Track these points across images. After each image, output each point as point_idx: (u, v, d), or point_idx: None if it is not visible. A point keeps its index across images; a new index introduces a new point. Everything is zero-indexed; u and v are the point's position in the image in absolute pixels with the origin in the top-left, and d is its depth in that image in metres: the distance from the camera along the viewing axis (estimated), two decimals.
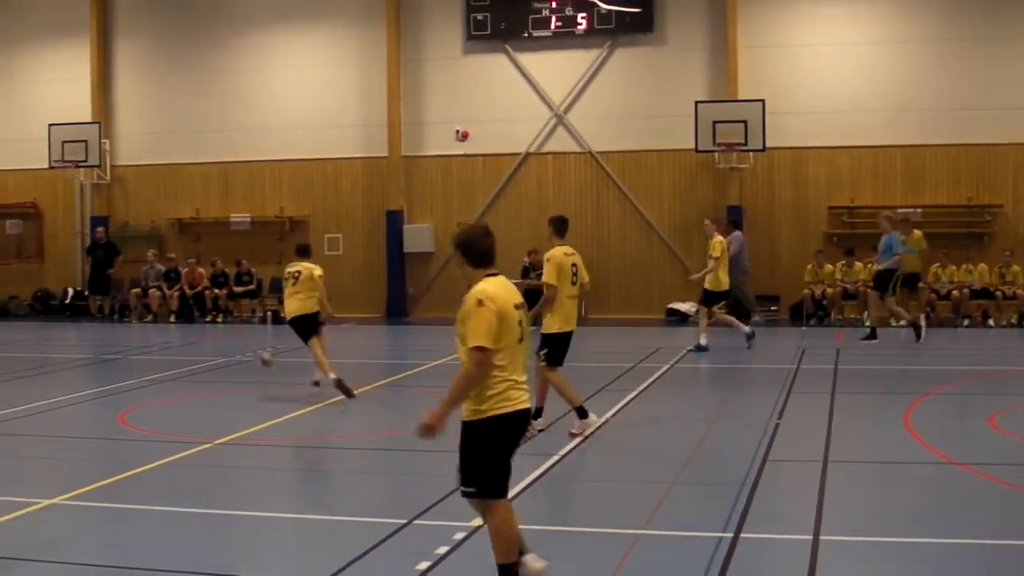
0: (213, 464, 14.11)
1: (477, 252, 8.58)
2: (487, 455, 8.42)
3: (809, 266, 30.87)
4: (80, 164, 36.09)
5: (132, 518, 11.18)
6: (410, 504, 11.43)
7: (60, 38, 37.47)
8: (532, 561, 8.57)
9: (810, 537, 10.04)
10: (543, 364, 15.22)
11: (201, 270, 34.56)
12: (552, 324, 15.33)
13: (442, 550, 9.78)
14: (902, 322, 26.85)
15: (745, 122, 30.95)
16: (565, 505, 12.06)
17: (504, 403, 8.33)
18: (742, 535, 10.15)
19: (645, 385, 19.69)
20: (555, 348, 15.36)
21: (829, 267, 30.69)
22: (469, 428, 8.43)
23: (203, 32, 36.32)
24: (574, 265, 15.49)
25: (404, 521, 10.71)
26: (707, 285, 24.57)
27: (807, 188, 32.12)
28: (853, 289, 30.14)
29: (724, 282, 24.55)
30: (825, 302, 30.42)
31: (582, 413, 15.25)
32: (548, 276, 15.24)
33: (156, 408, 18.52)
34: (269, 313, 34.31)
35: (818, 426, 15.54)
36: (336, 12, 35.22)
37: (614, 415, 16.67)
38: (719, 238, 24.69)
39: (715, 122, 31.11)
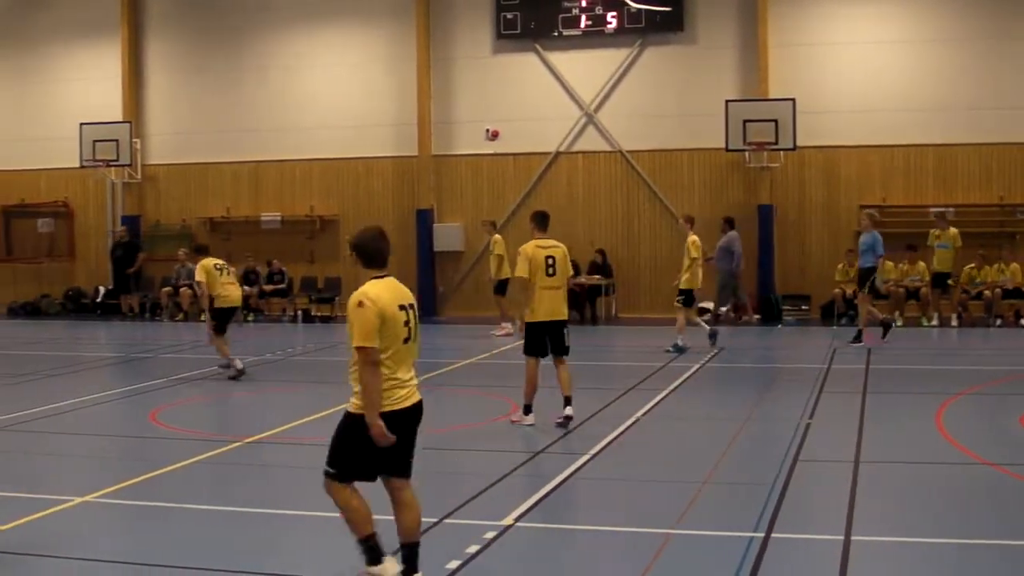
0: (244, 462, 14.14)
1: (369, 253, 8.84)
2: (357, 447, 8.60)
3: (840, 265, 30.72)
4: (111, 163, 36.18)
5: (163, 516, 11.20)
6: (440, 503, 11.41)
7: (91, 37, 37.59)
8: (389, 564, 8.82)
9: (841, 537, 10.01)
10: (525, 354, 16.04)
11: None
12: (528, 314, 16.00)
13: (472, 549, 9.78)
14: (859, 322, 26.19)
15: (776, 121, 30.84)
16: (596, 504, 12.03)
17: (385, 402, 8.52)
18: (773, 535, 10.13)
19: (676, 384, 19.64)
20: (531, 337, 15.98)
21: None
22: (349, 418, 8.65)
23: (234, 31, 36.41)
24: (551, 257, 15.92)
25: (434, 520, 10.69)
26: (683, 284, 24.53)
27: (838, 187, 31.98)
28: (884, 289, 29.98)
29: (697, 280, 24.61)
30: (856, 301, 30.27)
31: (527, 410, 15.94)
32: (517, 269, 16.02)
33: (187, 406, 18.58)
34: (299, 312, 34.38)
35: (849, 426, 15.50)
36: (367, 11, 35.25)
37: (645, 414, 16.64)
38: (694, 237, 24.67)
39: (745, 121, 31.01)
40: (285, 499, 11.98)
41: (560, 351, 16.01)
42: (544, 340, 15.94)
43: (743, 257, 29.59)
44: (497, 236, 29.21)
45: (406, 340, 8.66)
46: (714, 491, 12.06)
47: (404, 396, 8.67)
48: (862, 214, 25.44)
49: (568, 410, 15.84)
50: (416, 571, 8.78)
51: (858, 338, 24.67)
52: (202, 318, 22.59)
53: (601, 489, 12.63)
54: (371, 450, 8.54)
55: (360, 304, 8.47)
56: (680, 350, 24.08)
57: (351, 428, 8.63)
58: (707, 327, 24.74)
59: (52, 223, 38.67)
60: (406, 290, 8.89)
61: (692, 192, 32.90)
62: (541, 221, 16.36)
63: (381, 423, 8.43)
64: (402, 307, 8.66)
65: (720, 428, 15.85)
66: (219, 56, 36.50)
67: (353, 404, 8.67)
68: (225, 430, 16.33)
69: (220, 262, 22.17)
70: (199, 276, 21.70)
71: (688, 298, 24.67)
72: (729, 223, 29.47)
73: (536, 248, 15.91)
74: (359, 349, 8.45)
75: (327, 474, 8.74)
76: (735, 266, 29.21)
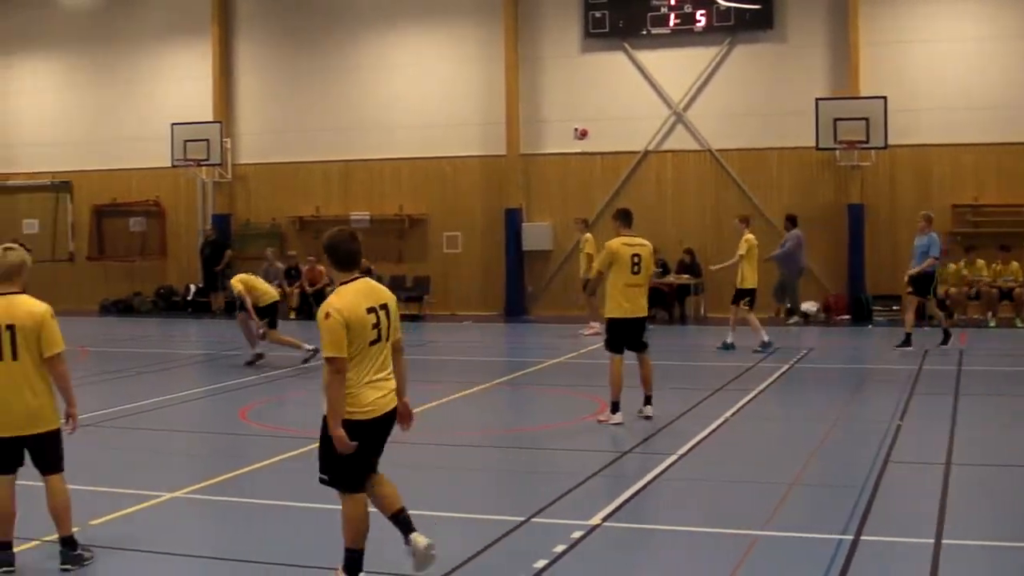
0: None
1: (340, 255, 8.88)
2: (334, 451, 8.66)
3: None
4: (202, 163, 36.55)
5: (251, 512, 11.29)
6: (528, 502, 11.44)
7: (182, 38, 38.01)
8: (418, 538, 8.95)
9: (932, 541, 9.89)
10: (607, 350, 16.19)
11: (321, 268, 34.73)
12: (609, 310, 16.16)
13: (559, 548, 9.76)
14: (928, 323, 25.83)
15: (867, 119, 30.59)
16: (683, 505, 11.97)
17: (356, 408, 8.66)
18: (862, 538, 10.03)
19: (765, 384, 19.53)
20: (612, 334, 16.12)
21: (952, 266, 30.13)
22: (325, 423, 8.73)
23: (323, 31, 36.62)
24: (636, 255, 16.05)
25: (522, 519, 10.70)
26: (746, 284, 24.65)
27: (930, 186, 31.61)
28: (977, 289, 29.65)
29: (749, 279, 24.64)
30: (948, 302, 29.90)
31: (614, 408, 15.89)
32: (596, 263, 16.36)
33: (276, 404, 18.71)
34: None
35: (941, 428, 15.34)
36: (455, 11, 35.36)
37: (733, 414, 16.55)
38: (748, 235, 24.76)
39: (836, 119, 30.79)
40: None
41: (639, 347, 16.16)
42: (626, 336, 16.05)
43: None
44: (588, 234, 29.15)
45: (373, 342, 8.73)
46: (803, 493, 11.98)
47: (381, 400, 8.81)
48: (918, 215, 25.15)
49: (648, 409, 15.96)
50: (413, 529, 9.02)
51: (945, 340, 24.33)
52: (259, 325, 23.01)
53: (688, 489, 12.57)
54: (357, 453, 8.67)
55: (327, 316, 8.56)
56: (767, 346, 24.13)
57: (326, 438, 8.76)
58: (764, 336, 24.56)
59: (144, 222, 39.11)
60: (381, 290, 8.97)
61: (781, 191, 32.70)
62: (625, 218, 16.46)
63: (342, 432, 8.55)
64: (371, 309, 8.71)
65: (809, 429, 15.75)
66: (308, 56, 36.74)
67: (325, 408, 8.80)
68: (314, 428, 16.39)
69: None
70: (238, 288, 22.85)
71: (749, 297, 24.79)
72: (792, 221, 29.25)
73: (622, 245, 16.00)
74: (327, 359, 8.58)
75: (323, 481, 8.92)
76: (799, 266, 29.05)
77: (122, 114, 38.77)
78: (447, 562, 9.29)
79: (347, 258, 8.88)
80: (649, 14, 33.31)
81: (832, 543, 9.84)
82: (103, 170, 38.94)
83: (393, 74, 35.94)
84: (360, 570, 8.84)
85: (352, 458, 8.68)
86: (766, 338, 24.26)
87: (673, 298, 31.87)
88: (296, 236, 36.78)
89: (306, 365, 21.98)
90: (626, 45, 33.72)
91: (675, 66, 33.41)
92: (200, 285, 37.50)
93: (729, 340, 24.44)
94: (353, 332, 8.56)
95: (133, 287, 38.88)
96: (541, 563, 9.36)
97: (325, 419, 8.70)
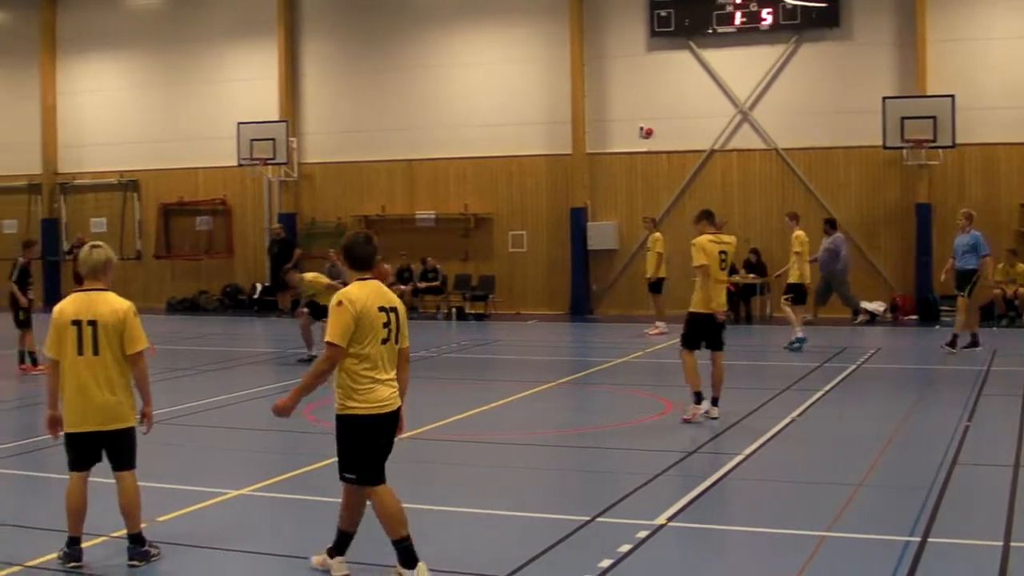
0: (401, 460, 14.26)
1: (355, 257, 9.27)
2: (356, 448, 9.05)
3: (1000, 265, 30.07)
4: (268, 162, 36.74)
5: (319, 510, 11.33)
6: (594, 501, 11.46)
7: (249, 38, 38.28)
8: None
9: (1000, 543, 9.82)
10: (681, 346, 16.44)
11: (387, 266, 34.81)
12: (693, 303, 16.30)
13: (624, 548, 9.76)
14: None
15: (934, 118, 30.36)
16: (749, 505, 11.95)
17: (366, 403, 8.96)
18: (929, 540, 9.97)
19: (831, 385, 19.44)
20: (691, 328, 16.31)
21: (1021, 266, 29.89)
22: (339, 421, 9.09)
23: (388, 31, 36.74)
24: (724, 252, 16.31)
25: (587, 518, 10.72)
26: (792, 279, 24.69)
27: (998, 185, 31.37)
28: (994, 284, 29.27)
29: (805, 275, 24.80)
30: (1017, 302, 29.67)
31: (698, 398, 16.03)
32: (697, 259, 16.11)
33: None
34: (453, 309, 34.60)
35: (1009, 429, 15.21)
36: (520, 10, 35.39)
37: (800, 414, 16.50)
38: (799, 232, 24.78)
39: (903, 118, 30.58)
40: (440, 495, 12.08)
41: (716, 344, 16.26)
42: (705, 332, 16.18)
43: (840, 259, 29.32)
44: (657, 233, 29.05)
45: (384, 341, 9.03)
46: (869, 493, 11.90)
47: (388, 399, 9.07)
48: (959, 213, 24.94)
49: (715, 411, 15.97)
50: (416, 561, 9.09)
51: (952, 343, 23.96)
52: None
53: (754, 490, 12.54)
54: (372, 444, 9.02)
55: (339, 304, 8.89)
56: (801, 342, 24.09)
57: (345, 430, 9.08)
58: (800, 331, 24.48)
59: (210, 221, 39.40)
60: (390, 294, 9.26)
61: (848, 190, 32.54)
62: (711, 217, 16.56)
63: (294, 406, 9.13)
64: (383, 308, 9.04)
65: (876, 429, 15.64)
66: (374, 55, 36.86)
67: (338, 406, 9.07)
68: None
69: None
70: (311, 290, 23.77)
71: (799, 294, 24.80)
72: (832, 224, 29.15)
73: (710, 243, 16.15)
74: (328, 344, 8.89)
75: (348, 480, 9.19)
76: (841, 268, 28.94)
77: (189, 113, 39.08)
78: (512, 561, 9.31)
79: (362, 259, 9.26)
80: (715, 13, 33.23)
81: (899, 545, 9.80)
82: (170, 169, 39.29)
83: (459, 73, 36.03)
84: (416, 559, 9.03)
85: (373, 452, 9.05)
86: (800, 334, 24.21)
87: (739, 298, 31.77)
88: None
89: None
90: (691, 44, 33.65)
91: (741, 65, 33.32)
92: (267, 284, 37.69)
93: (797, 336, 24.33)
94: (363, 327, 8.88)
95: (199, 285, 39.19)
96: (606, 563, 9.36)
97: (339, 419, 9.08)
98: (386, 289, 9.23)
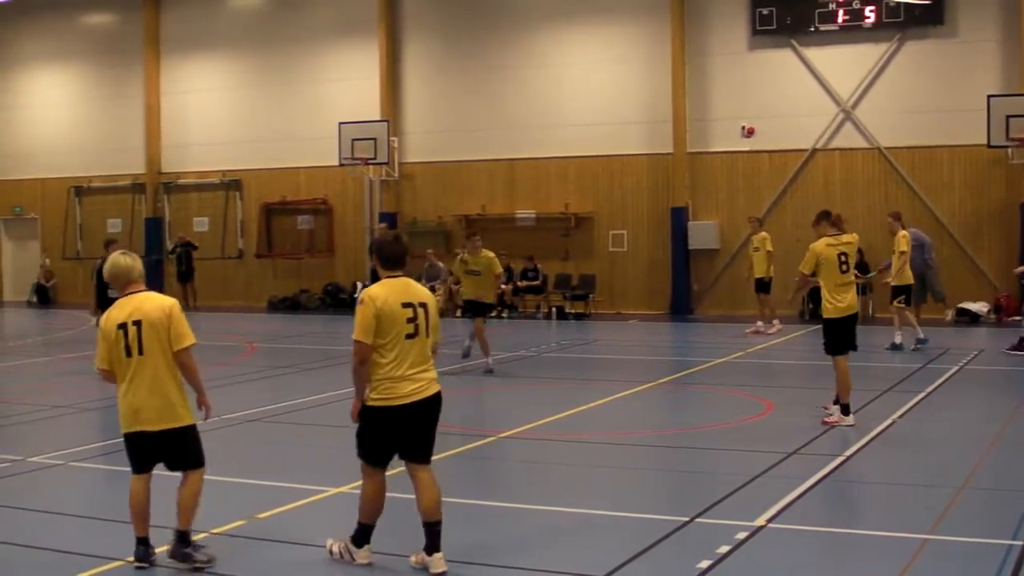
0: (497, 457, 14.35)
1: (385, 256, 9.56)
2: (368, 435, 9.41)
3: None
4: (369, 161, 36.97)
5: (415, 508, 11.42)
6: (693, 502, 11.47)
7: (350, 38, 38.62)
8: (437, 562, 9.35)
9: None
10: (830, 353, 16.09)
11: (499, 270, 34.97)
12: (825, 311, 16.15)
13: (723, 549, 9.75)
14: None
15: None
16: (850, 507, 11.92)
17: (383, 397, 9.27)
18: None
19: (934, 386, 19.30)
20: (830, 335, 16.06)
21: None
22: (362, 409, 9.41)
23: (488, 31, 36.90)
24: (843, 254, 16.09)
25: (686, 519, 10.73)
26: (900, 280, 24.32)
27: None
28: None
29: (908, 276, 24.47)
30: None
31: (846, 410, 15.67)
32: (804, 265, 16.06)
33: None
34: (554, 309, 34.67)
35: None
36: (621, 9, 35.40)
37: (902, 416, 16.39)
38: (904, 231, 24.45)
39: (1008, 116, 30.18)
40: (537, 495, 12.15)
41: (852, 347, 16.20)
42: (845, 335, 16.04)
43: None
44: (764, 233, 28.93)
45: (410, 336, 9.28)
46: (972, 496, 11.81)
47: (412, 391, 9.29)
48: None
49: (837, 416, 15.66)
50: (437, 549, 9.35)
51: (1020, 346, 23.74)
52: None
53: (855, 491, 12.50)
54: (385, 436, 9.35)
55: (362, 301, 9.25)
56: (922, 342, 23.90)
57: (363, 417, 9.40)
58: (920, 332, 24.27)
59: (312, 220, 39.77)
60: (420, 289, 9.58)
61: (952, 190, 32.23)
62: (828, 217, 16.48)
63: (357, 407, 9.38)
64: (407, 304, 9.32)
65: (979, 431, 15.52)
66: (474, 55, 37.04)
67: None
68: (479, 425, 16.56)
69: None
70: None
71: (910, 295, 24.67)
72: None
73: (827, 247, 15.98)
74: (354, 341, 9.21)
75: (360, 455, 9.53)
76: (926, 260, 28.63)
77: (290, 113, 39.47)
78: (611, 560, 9.35)
79: (392, 258, 9.53)
80: (817, 11, 33.06)
81: (1001, 549, 9.72)
82: (272, 169, 39.75)
83: (559, 73, 36.09)
84: (367, 542, 9.59)
85: (380, 441, 9.37)
86: (921, 335, 24.00)
87: None
88: (462, 234, 37.02)
89: (466, 361, 22.25)
90: (794, 42, 33.48)
91: (843, 63, 33.11)
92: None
93: (897, 340, 24.17)
94: (384, 323, 9.17)
95: (300, 284, 39.56)
96: (705, 563, 9.36)
97: (362, 407, 9.40)
98: (415, 286, 9.54)
